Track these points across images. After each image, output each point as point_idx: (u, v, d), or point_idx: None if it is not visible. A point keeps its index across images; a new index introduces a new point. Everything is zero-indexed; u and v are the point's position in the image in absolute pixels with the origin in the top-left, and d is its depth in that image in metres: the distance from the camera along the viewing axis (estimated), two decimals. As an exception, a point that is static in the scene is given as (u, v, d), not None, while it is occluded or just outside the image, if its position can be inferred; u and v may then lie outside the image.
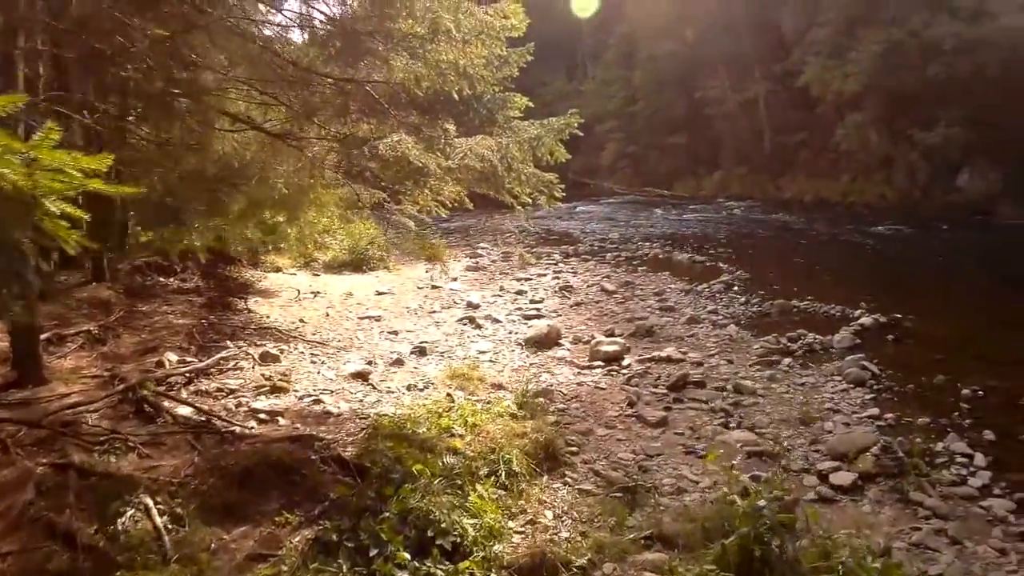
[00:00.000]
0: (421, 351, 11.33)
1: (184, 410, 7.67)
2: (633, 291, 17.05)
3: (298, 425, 7.68)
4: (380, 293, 15.61)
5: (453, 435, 6.87)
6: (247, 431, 7.22)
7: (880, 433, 8.51)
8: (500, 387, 9.57)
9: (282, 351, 10.69)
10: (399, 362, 10.70)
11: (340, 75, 7.70)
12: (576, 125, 8.71)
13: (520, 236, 23.93)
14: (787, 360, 11.45)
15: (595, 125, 42.79)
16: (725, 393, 9.97)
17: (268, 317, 12.80)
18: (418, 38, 6.73)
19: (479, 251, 22.17)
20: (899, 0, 32.24)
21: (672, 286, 17.60)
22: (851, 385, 10.29)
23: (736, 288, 16.94)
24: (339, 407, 8.41)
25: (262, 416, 7.87)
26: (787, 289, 16.20)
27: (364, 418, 7.92)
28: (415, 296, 15.87)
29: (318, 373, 9.87)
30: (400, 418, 7.41)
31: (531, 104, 9.02)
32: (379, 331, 12.73)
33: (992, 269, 19.43)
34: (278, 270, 16.99)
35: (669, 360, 11.33)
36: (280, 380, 9.15)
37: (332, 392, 9.07)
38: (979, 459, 7.90)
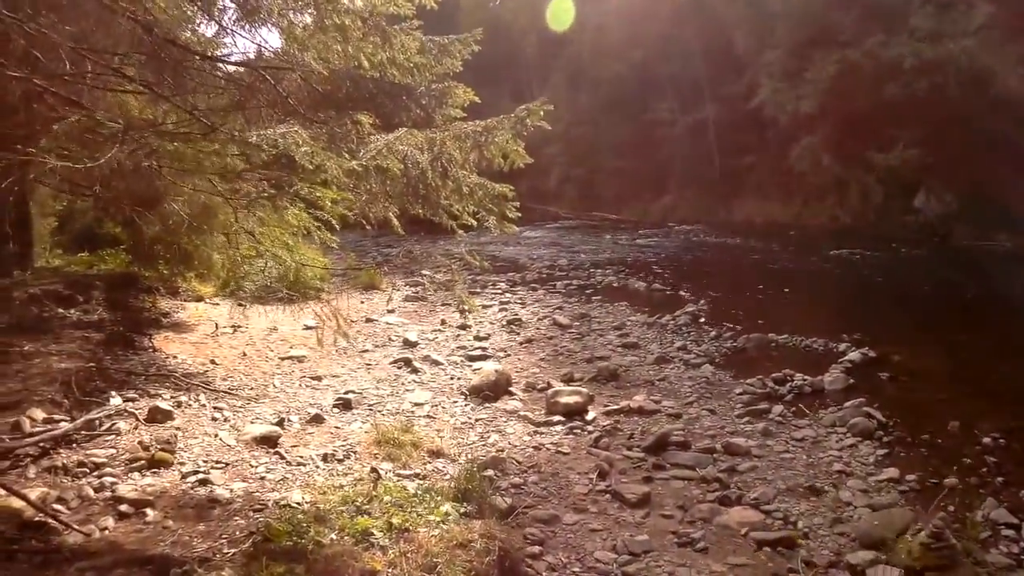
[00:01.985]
0: (346, 404, 9.43)
1: (19, 502, 5.72)
2: (590, 325, 15.24)
3: (169, 522, 5.73)
4: (308, 328, 13.62)
5: (372, 545, 4.91)
6: (88, 540, 5.25)
7: (906, 501, 7.07)
8: (439, 454, 7.67)
9: (179, 404, 8.77)
10: (318, 419, 8.77)
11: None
12: (542, 115, 6.71)
13: (465, 264, 21.43)
14: (777, 408, 9.81)
15: (542, 148, 41.59)
16: (715, 455, 8.20)
17: (175, 358, 10.88)
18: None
19: (420, 279, 19.98)
20: (854, 22, 31.90)
21: (632, 318, 15.84)
22: (858, 438, 8.66)
23: (703, 320, 15.26)
24: (231, 490, 6.46)
25: (125, 508, 5.87)
26: (758, 320, 14.63)
27: (260, 508, 5.99)
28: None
29: (215, 436, 7.89)
30: (304, 515, 5.45)
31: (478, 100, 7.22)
32: (300, 376, 10.88)
33: (962, 292, 18.64)
34: (200, 299, 15.02)
35: (641, 411, 9.60)
36: (163, 449, 7.16)
37: (227, 465, 7.12)
38: (1028, 530, 6.45)
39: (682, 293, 18.30)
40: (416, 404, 9.76)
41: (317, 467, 7.30)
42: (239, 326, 13.22)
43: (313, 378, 10.78)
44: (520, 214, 7.34)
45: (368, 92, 6.62)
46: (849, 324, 13.71)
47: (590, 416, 9.46)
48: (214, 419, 8.53)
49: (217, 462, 7.19)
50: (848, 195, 32.46)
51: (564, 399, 9.67)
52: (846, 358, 11.92)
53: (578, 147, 46.63)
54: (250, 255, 9.71)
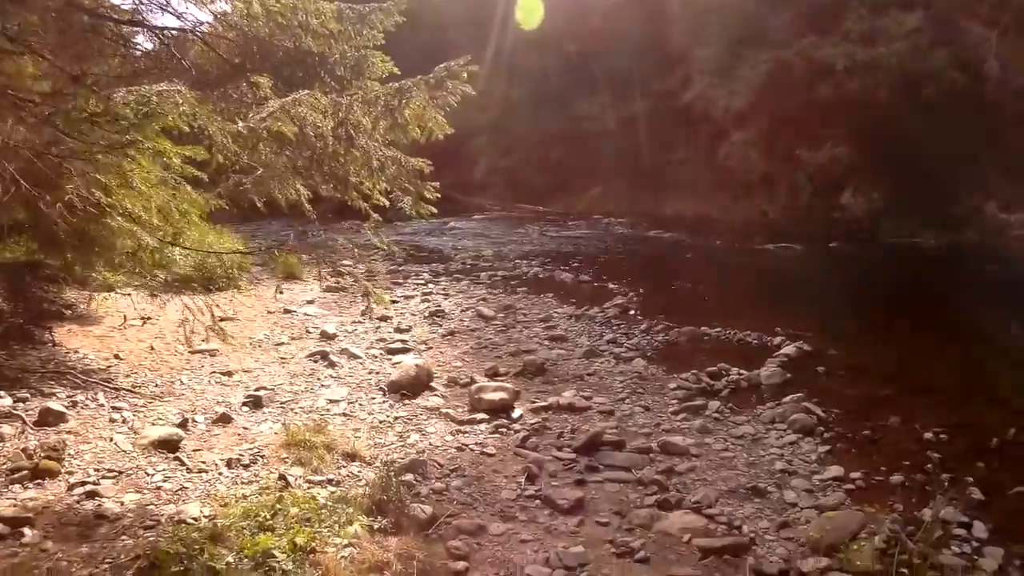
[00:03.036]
0: (256, 402, 8.74)
1: None
2: (515, 317, 14.72)
3: (48, 544, 5.03)
4: (223, 319, 12.82)
5: (273, 569, 4.27)
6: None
7: (853, 501, 6.78)
8: (354, 457, 7.04)
9: (75, 404, 8.01)
10: (225, 419, 8.08)
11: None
12: (467, 77, 6.02)
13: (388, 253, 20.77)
14: (714, 404, 9.41)
15: (469, 139, 40.95)
16: (652, 455, 7.71)
17: (76, 352, 10.07)
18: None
19: (341, 268, 18.97)
20: (788, 22, 32.05)
21: (559, 310, 15.36)
22: (799, 435, 8.35)
23: (633, 313, 14.87)
24: (121, 503, 5.78)
25: (0, 527, 5.21)
26: (690, 313, 14.26)
27: (152, 524, 5.33)
28: (263, 323, 13.27)
29: (110, 440, 7.15)
30: (200, 532, 4.79)
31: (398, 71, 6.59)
32: (210, 371, 10.13)
33: (893, 289, 18.74)
34: (110, 289, 14.04)
35: (571, 408, 9.09)
36: (48, 457, 6.44)
37: (120, 474, 6.42)
38: (979, 529, 6.31)
39: (610, 285, 17.89)
40: (331, 401, 9.10)
41: (220, 474, 6.65)
42: (149, 318, 12.36)
43: (224, 373, 10.06)
44: (439, 197, 6.73)
45: (277, 61, 5.99)
46: (782, 318, 13.51)
47: (516, 414, 8.92)
48: (112, 420, 7.80)
49: (109, 471, 6.49)
50: (777, 191, 32.61)
51: (488, 395, 9.11)
52: (781, 352, 11.67)
53: (506, 139, 46.05)
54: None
